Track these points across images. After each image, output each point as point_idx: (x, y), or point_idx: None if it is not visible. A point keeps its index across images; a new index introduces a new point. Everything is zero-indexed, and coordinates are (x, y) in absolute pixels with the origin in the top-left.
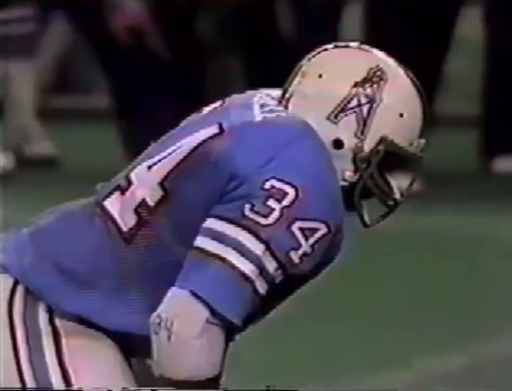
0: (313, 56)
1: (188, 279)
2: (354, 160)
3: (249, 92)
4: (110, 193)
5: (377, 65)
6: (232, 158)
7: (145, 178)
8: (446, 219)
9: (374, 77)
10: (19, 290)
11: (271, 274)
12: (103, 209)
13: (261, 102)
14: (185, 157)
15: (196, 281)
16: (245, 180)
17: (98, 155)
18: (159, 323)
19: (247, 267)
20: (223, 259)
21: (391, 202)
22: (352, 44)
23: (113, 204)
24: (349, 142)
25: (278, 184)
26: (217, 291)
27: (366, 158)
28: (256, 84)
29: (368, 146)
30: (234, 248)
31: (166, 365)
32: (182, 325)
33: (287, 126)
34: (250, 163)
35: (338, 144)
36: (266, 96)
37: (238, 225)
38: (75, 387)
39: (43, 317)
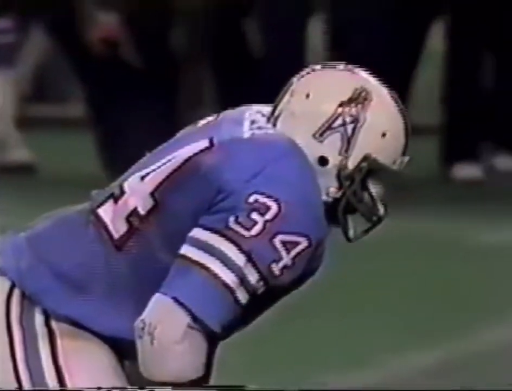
0: (302, 76)
1: (171, 286)
2: (338, 177)
3: (241, 108)
4: (104, 201)
5: (361, 86)
6: (220, 172)
7: (137, 188)
8: (409, 223)
9: (359, 98)
10: (16, 293)
11: (252, 285)
12: (97, 216)
13: (251, 118)
14: (176, 169)
15: (179, 287)
16: (232, 193)
17: (74, 161)
18: (142, 328)
19: (228, 277)
20: (206, 268)
21: (374, 218)
22: (339, 65)
23: (106, 212)
24: (334, 159)
25: (262, 199)
26: (199, 299)
27: (350, 175)
28: (225, 95)
29: (351, 164)
30: (217, 258)
31: (150, 368)
32: (164, 330)
33: (273, 143)
34: (236, 177)
35: (323, 161)
36: (257, 113)
37: (222, 235)
38: (69, 387)
39: (39, 319)
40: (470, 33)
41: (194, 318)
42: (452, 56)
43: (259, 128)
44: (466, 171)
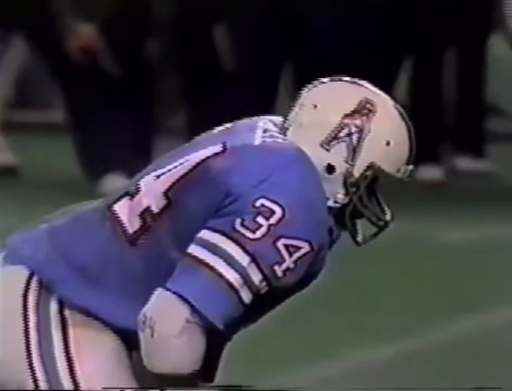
0: (310, 89)
1: (175, 282)
2: (345, 184)
3: (256, 117)
4: (120, 198)
5: (366, 98)
6: (229, 176)
7: (152, 187)
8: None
9: (364, 109)
10: (34, 281)
11: (256, 285)
12: (113, 212)
13: (264, 127)
14: (189, 171)
15: (183, 283)
16: (239, 197)
17: (56, 165)
18: (144, 322)
19: (233, 276)
20: (211, 267)
21: (380, 223)
22: (345, 78)
23: (121, 208)
24: (340, 167)
25: (267, 203)
26: (203, 295)
27: (356, 183)
28: (195, 101)
29: (357, 171)
30: (223, 258)
31: (151, 360)
32: (163, 324)
33: (282, 151)
34: (245, 182)
35: (330, 169)
36: (269, 122)
37: (228, 237)
38: (78, 373)
39: (54, 307)
40: (432, 36)
41: (194, 311)
42: (414, 60)
43: (270, 136)
44: (428, 173)
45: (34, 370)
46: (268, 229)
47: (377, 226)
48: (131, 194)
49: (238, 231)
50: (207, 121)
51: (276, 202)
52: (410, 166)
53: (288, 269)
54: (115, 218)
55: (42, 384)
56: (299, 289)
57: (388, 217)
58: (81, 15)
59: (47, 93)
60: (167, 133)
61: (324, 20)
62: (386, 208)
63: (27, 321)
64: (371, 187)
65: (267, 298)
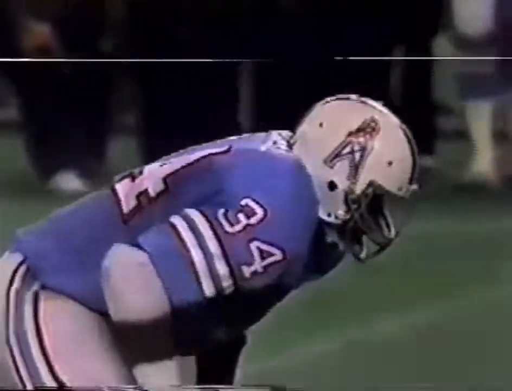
0: (318, 106)
1: (142, 236)
2: (346, 200)
3: (270, 131)
4: (122, 178)
5: (371, 117)
6: (227, 174)
7: (154, 172)
8: None
9: (367, 128)
10: (23, 268)
11: (220, 278)
12: (113, 190)
13: (274, 139)
14: (192, 163)
15: (147, 237)
16: (230, 194)
17: (4, 164)
18: (104, 271)
19: (198, 257)
20: (182, 240)
21: (380, 240)
22: (352, 96)
23: (122, 187)
24: (342, 184)
25: (252, 204)
26: (160, 250)
27: (357, 199)
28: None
29: (358, 189)
30: (196, 238)
31: (111, 306)
32: (118, 269)
33: (281, 160)
34: (240, 182)
35: (332, 185)
36: (279, 135)
37: (207, 220)
38: (45, 338)
39: (33, 290)
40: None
41: (150, 259)
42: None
43: (277, 147)
44: None
45: (12, 350)
46: (245, 227)
47: (377, 243)
48: (134, 175)
49: (218, 219)
50: (159, 121)
51: (260, 205)
52: (414, 186)
53: (255, 272)
54: (114, 196)
55: (17, 356)
56: (295, 287)
57: (391, 235)
58: (35, 14)
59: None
60: (120, 133)
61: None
62: (390, 226)
63: (8, 305)
64: (376, 204)
65: (262, 296)
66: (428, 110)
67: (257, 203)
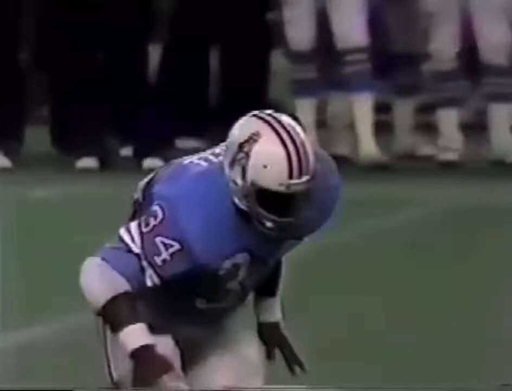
0: (239, 121)
1: (102, 249)
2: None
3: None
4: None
5: (257, 130)
6: (156, 185)
7: (140, 185)
8: None
9: (251, 139)
10: None
11: (153, 266)
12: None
13: (211, 151)
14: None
15: (102, 248)
16: (151, 201)
17: None
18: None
19: (135, 250)
20: (126, 244)
21: (261, 226)
22: (257, 113)
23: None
24: (240, 182)
25: (156, 208)
26: (113, 255)
27: (248, 195)
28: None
29: (246, 187)
30: (131, 237)
31: (89, 304)
32: (84, 274)
33: (189, 170)
34: (158, 190)
35: (235, 183)
36: (221, 148)
37: (138, 223)
38: None
39: None
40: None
41: (104, 260)
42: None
43: (201, 158)
44: (188, 143)
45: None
46: (152, 228)
47: (263, 227)
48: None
49: (140, 223)
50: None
51: (162, 208)
52: (300, 180)
53: (165, 260)
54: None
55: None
56: (264, 268)
57: (268, 225)
58: None
59: None
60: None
61: None
62: (271, 217)
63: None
64: (258, 198)
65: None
66: (266, 108)
67: (160, 207)
